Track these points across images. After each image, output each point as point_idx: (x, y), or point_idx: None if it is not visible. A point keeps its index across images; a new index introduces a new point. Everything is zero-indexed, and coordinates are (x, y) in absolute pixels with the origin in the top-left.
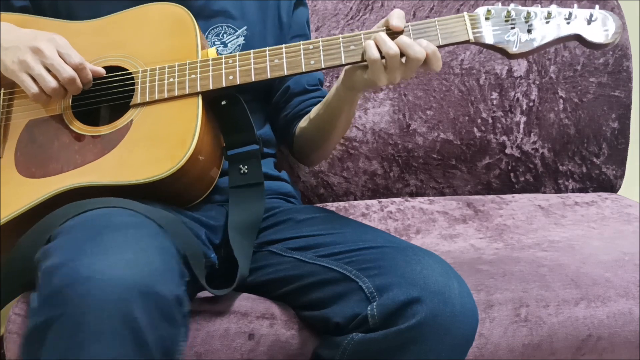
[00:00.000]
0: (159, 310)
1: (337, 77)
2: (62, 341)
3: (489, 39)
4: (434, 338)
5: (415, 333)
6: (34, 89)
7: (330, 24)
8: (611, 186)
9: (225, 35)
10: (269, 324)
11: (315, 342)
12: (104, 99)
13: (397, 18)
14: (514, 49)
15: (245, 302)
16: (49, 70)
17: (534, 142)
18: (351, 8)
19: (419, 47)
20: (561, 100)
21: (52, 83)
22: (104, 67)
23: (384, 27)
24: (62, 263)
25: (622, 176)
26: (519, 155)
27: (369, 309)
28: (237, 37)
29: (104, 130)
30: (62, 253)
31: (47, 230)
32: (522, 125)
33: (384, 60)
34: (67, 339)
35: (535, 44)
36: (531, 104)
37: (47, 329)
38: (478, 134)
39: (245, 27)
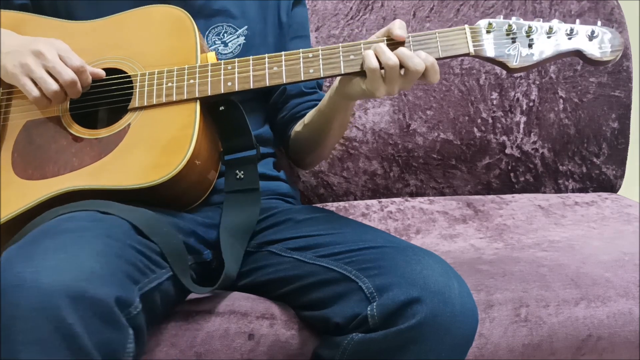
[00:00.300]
0: (95, 314)
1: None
2: None
3: (489, 52)
4: (434, 338)
5: (415, 333)
6: (35, 92)
7: (330, 24)
8: (611, 186)
9: (225, 34)
10: (269, 324)
11: (315, 342)
12: (102, 101)
13: (399, 28)
14: (514, 63)
15: (245, 302)
16: (50, 74)
17: (534, 142)
18: (351, 8)
19: (419, 59)
20: (561, 100)
21: (53, 86)
22: (102, 69)
23: (384, 38)
24: None
25: (622, 176)
26: (519, 155)
27: (369, 309)
28: (238, 37)
29: (101, 133)
30: (3, 262)
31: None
32: (522, 125)
33: (382, 71)
34: (2, 348)
35: (536, 59)
36: (531, 104)
37: None
38: (478, 134)
39: (245, 27)
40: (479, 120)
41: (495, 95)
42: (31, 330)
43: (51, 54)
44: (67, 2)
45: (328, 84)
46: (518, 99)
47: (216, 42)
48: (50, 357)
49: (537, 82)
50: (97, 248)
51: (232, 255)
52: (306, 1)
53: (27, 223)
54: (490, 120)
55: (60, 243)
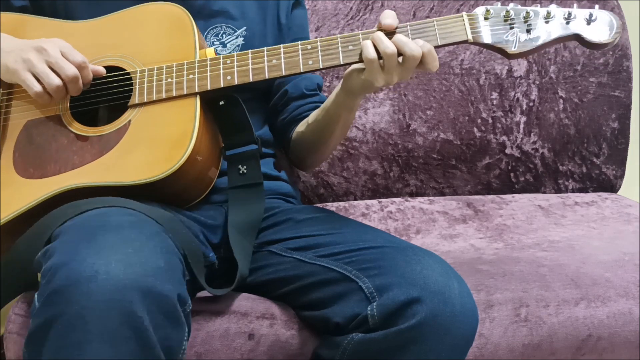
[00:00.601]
0: (161, 309)
1: (337, 77)
2: (62, 341)
3: (487, 39)
4: (434, 338)
5: (415, 333)
6: (37, 87)
7: (330, 24)
8: (611, 186)
9: (224, 35)
10: (269, 324)
11: (315, 342)
12: (102, 99)
13: (388, 17)
14: (512, 49)
15: (245, 302)
16: (52, 70)
17: (534, 142)
18: (351, 8)
19: (416, 45)
20: (561, 100)
21: (55, 80)
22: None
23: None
24: (63, 263)
25: (622, 176)
26: (519, 155)
27: (369, 309)
28: (237, 38)
29: (102, 130)
30: (63, 253)
31: (45, 231)
32: (522, 125)
33: (381, 61)
34: (67, 338)
35: (534, 44)
36: (531, 104)
37: (47, 329)
38: (478, 134)
39: (244, 28)
40: (479, 120)
41: (495, 95)
42: (102, 321)
43: (53, 50)
44: (66, 2)
45: (328, 85)
46: (518, 99)
47: (215, 43)
48: (118, 348)
49: (537, 82)
50: (156, 244)
51: (244, 254)
52: (306, 1)
53: (29, 222)
54: (490, 120)
55: (121, 238)
